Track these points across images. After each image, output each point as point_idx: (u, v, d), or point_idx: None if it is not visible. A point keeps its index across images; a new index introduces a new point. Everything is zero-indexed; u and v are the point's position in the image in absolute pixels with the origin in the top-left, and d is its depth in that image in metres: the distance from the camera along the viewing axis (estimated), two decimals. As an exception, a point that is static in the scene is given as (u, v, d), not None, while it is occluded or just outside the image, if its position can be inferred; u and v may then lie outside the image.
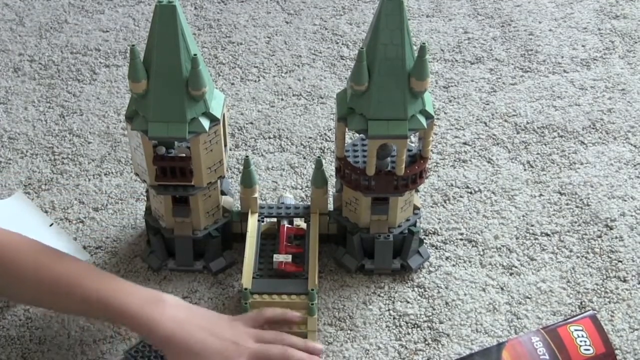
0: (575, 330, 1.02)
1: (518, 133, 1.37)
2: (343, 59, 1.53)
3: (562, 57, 1.54)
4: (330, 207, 1.17)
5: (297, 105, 1.43)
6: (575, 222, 1.22)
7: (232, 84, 1.48)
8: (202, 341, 0.94)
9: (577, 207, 1.24)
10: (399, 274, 1.14)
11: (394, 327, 1.08)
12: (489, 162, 1.32)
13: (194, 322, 0.96)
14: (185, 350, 0.94)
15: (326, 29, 1.61)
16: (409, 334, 1.07)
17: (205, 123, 1.02)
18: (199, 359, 0.94)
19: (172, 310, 0.96)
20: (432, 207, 1.24)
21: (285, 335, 1.00)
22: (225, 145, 1.11)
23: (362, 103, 1.02)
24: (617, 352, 1.04)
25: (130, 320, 0.95)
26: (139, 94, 1.01)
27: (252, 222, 1.14)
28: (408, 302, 1.11)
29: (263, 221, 1.15)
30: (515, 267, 1.15)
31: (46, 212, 1.23)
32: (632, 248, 1.18)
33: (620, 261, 1.16)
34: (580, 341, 1.01)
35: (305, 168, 1.30)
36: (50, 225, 1.20)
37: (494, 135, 1.37)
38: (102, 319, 1.04)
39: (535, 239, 1.19)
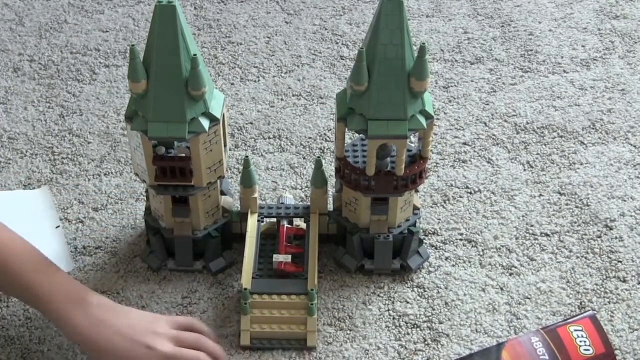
0: (575, 330, 1.02)
1: (518, 133, 1.37)
2: (343, 59, 1.53)
3: (562, 57, 1.54)
4: (330, 207, 1.17)
5: (296, 105, 1.43)
6: (575, 222, 1.22)
7: (232, 84, 1.48)
8: (112, 343, 0.94)
9: (576, 207, 1.24)
10: (399, 274, 1.14)
11: (393, 327, 1.08)
12: (488, 162, 1.32)
13: (112, 323, 0.95)
14: (95, 352, 0.94)
15: (326, 29, 1.61)
16: (408, 334, 1.07)
17: (205, 123, 1.02)
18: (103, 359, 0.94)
19: (93, 311, 0.96)
20: (431, 207, 1.24)
21: (204, 339, 0.99)
22: (225, 145, 1.11)
23: (362, 103, 1.02)
24: (616, 352, 1.04)
25: (54, 320, 0.96)
26: (139, 94, 1.01)
27: (252, 222, 1.14)
28: (408, 302, 1.11)
29: (263, 221, 1.15)
30: (515, 267, 1.15)
31: (46, 212, 1.24)
32: (631, 248, 1.18)
33: (620, 261, 1.16)
34: (580, 341, 1.01)
35: (305, 168, 1.30)
36: (57, 227, 1.20)
37: (494, 135, 1.37)
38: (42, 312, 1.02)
39: (535, 239, 1.19)
